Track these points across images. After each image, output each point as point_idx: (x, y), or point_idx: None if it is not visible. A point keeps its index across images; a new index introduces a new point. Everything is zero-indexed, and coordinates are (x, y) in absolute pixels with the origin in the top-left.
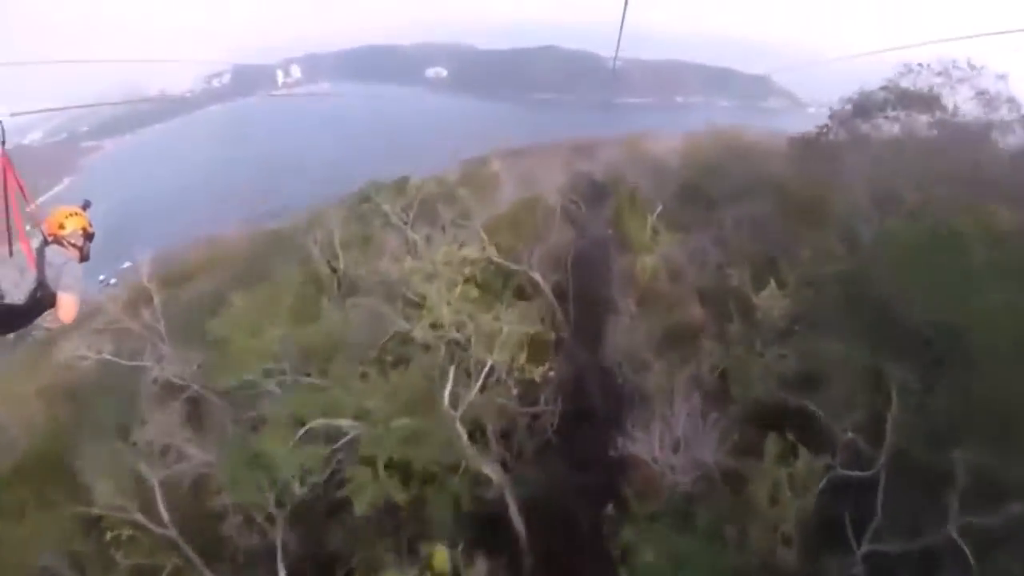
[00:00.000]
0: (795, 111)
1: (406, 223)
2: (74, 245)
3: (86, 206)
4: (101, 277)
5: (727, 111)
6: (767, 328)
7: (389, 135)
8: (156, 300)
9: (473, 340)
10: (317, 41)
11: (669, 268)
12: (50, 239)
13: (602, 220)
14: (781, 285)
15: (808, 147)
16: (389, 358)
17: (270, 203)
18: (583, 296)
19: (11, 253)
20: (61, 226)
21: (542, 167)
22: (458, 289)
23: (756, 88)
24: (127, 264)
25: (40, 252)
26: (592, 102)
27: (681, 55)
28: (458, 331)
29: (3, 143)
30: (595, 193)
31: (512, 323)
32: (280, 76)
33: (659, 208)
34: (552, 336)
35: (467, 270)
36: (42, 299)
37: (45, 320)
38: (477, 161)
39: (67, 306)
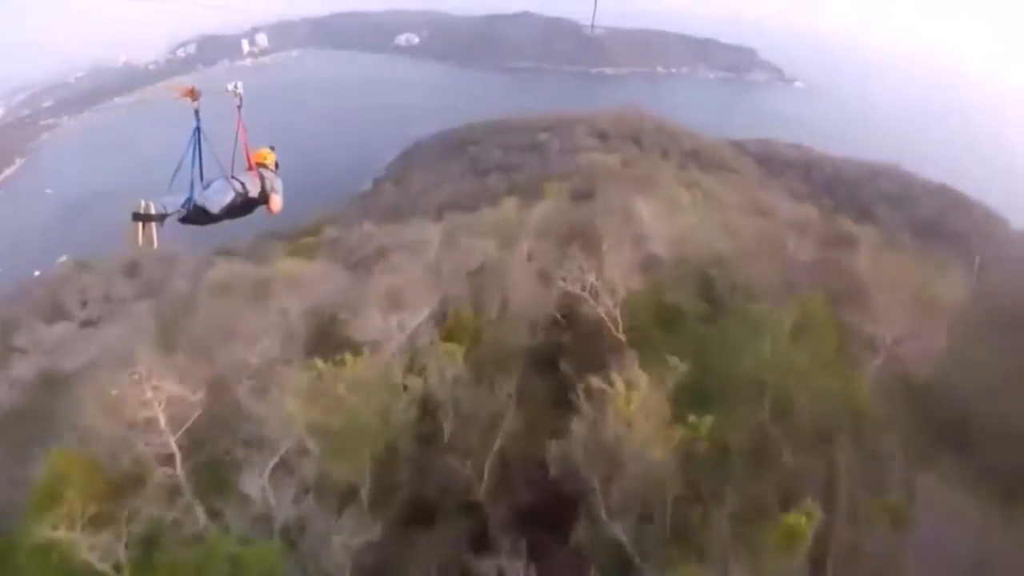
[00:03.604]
0: (782, 87)
1: None
2: (272, 169)
3: (272, 148)
4: (36, 272)
5: (712, 83)
6: None
7: (358, 106)
8: None
9: None
10: (285, 9)
11: None
12: (255, 166)
13: None
14: None
15: None
16: None
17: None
18: None
19: (232, 175)
20: (265, 158)
21: None
22: None
23: (741, 60)
24: (63, 259)
25: (259, 172)
26: (570, 72)
27: (661, 24)
28: None
29: (240, 107)
30: None
31: None
32: (245, 45)
33: None
34: None
35: None
36: (263, 196)
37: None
38: None
39: (276, 201)
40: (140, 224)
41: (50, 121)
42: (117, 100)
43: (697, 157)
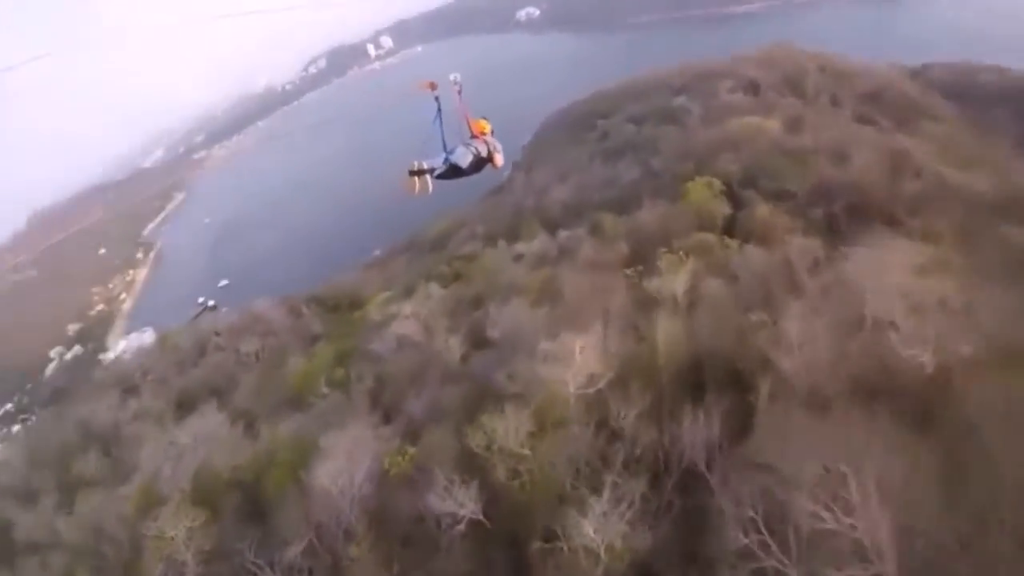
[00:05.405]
0: None
1: None
2: (490, 135)
3: (487, 119)
4: (200, 299)
5: (854, 6)
6: None
7: (487, 90)
8: None
9: None
10: (404, 7)
11: None
12: (477, 134)
13: None
14: None
15: None
16: None
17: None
18: None
19: (459, 145)
20: (483, 127)
21: None
22: None
23: None
24: (224, 282)
25: (484, 140)
26: (698, 16)
27: None
28: None
29: (460, 92)
30: None
31: None
32: (372, 49)
33: None
34: None
35: None
36: (490, 156)
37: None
38: None
39: (498, 159)
40: (415, 177)
41: (203, 154)
42: (261, 122)
43: (878, 102)
